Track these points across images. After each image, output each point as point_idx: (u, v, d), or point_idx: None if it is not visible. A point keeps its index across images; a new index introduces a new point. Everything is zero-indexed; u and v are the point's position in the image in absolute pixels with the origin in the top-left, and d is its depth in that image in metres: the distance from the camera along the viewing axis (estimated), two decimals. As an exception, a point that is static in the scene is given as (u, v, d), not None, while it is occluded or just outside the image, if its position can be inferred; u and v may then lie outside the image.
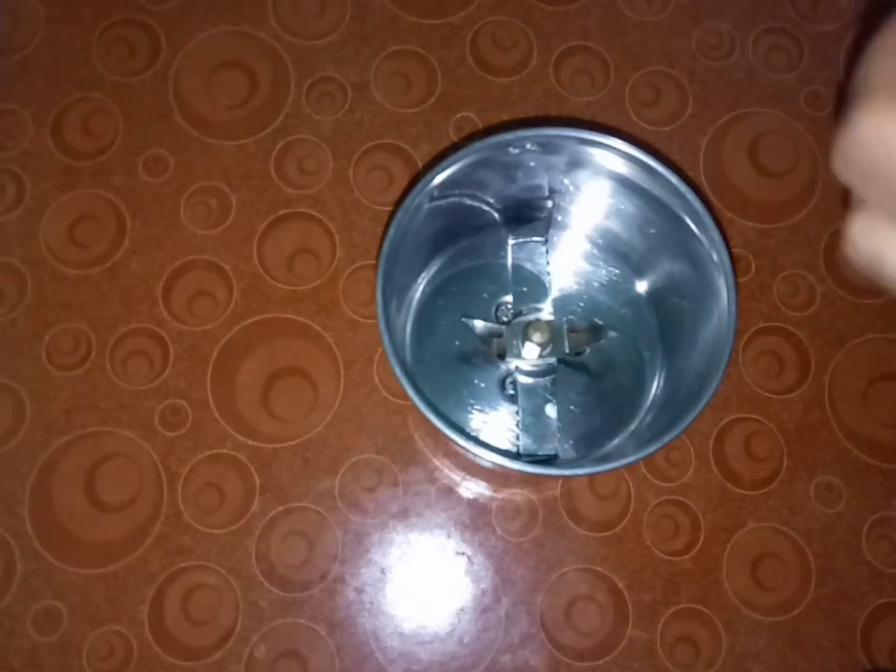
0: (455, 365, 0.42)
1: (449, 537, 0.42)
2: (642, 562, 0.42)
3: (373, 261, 0.45)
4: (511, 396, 0.41)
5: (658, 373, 0.42)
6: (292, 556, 0.42)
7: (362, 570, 0.42)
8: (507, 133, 0.36)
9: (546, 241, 0.43)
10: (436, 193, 0.36)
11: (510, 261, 0.43)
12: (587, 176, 0.39)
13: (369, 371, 0.44)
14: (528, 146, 0.36)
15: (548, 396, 0.41)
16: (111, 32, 0.48)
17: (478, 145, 0.36)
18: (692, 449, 0.44)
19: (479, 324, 0.42)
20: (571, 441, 0.41)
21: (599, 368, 0.42)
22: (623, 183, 0.38)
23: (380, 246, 0.34)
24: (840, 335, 0.46)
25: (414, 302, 0.43)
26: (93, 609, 0.41)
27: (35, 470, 0.42)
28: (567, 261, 0.44)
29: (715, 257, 0.35)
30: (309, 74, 0.48)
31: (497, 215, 0.42)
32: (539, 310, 0.42)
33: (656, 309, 0.43)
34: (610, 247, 0.43)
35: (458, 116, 0.47)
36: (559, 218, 0.43)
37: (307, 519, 0.42)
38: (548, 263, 0.43)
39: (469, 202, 0.40)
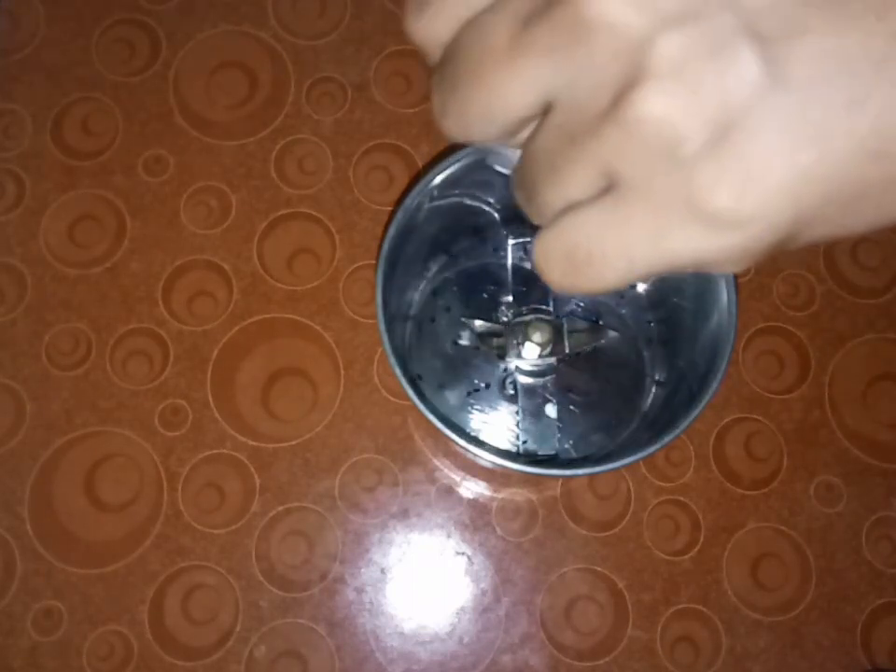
0: (456, 365, 0.42)
1: (449, 537, 0.42)
2: (642, 562, 0.42)
3: (373, 261, 0.45)
4: (511, 396, 0.41)
5: (658, 373, 0.42)
6: (292, 556, 0.42)
7: (362, 570, 0.42)
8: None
9: (546, 241, 0.43)
10: (436, 193, 0.36)
11: (510, 261, 0.43)
12: (587, 176, 0.39)
13: (369, 371, 0.44)
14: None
15: (548, 396, 0.41)
16: (111, 32, 0.48)
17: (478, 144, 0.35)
18: (692, 449, 0.44)
19: (479, 324, 0.42)
20: (571, 441, 0.41)
21: (599, 368, 0.42)
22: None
23: (380, 246, 0.34)
24: (840, 335, 0.46)
25: (414, 302, 0.43)
26: (93, 609, 0.41)
27: (35, 470, 0.42)
28: (567, 261, 0.43)
29: (715, 257, 0.35)
30: (309, 74, 0.48)
31: (496, 215, 0.42)
32: (539, 310, 0.42)
33: (656, 309, 0.43)
34: (610, 247, 0.43)
35: (458, 116, 0.47)
36: (559, 218, 0.42)
37: (307, 519, 0.42)
38: (548, 263, 0.43)
39: (469, 202, 0.40)
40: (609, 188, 0.15)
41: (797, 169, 0.14)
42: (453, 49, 0.17)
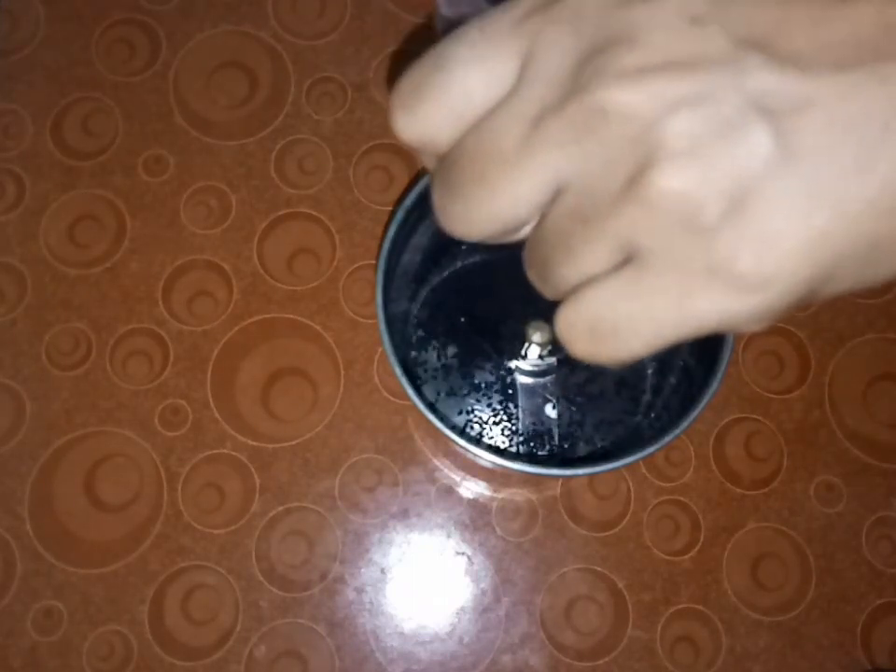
0: (456, 365, 0.42)
1: (449, 537, 0.42)
2: (642, 562, 0.42)
3: (373, 261, 0.45)
4: (511, 396, 0.41)
5: (658, 373, 0.42)
6: (292, 556, 0.42)
7: (362, 570, 0.42)
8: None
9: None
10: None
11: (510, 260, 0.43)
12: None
13: (369, 370, 0.44)
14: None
15: (548, 396, 0.41)
16: (111, 32, 0.48)
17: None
18: (692, 449, 0.44)
19: (479, 322, 0.42)
20: (571, 441, 0.41)
21: (599, 368, 0.42)
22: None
23: (380, 246, 0.34)
24: (840, 335, 0.46)
25: (415, 302, 0.43)
26: (93, 609, 0.41)
27: (35, 470, 0.42)
28: (567, 261, 0.43)
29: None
30: (309, 74, 0.48)
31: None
32: (539, 309, 0.42)
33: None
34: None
35: (458, 116, 0.47)
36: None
37: (307, 519, 0.42)
38: (548, 263, 0.43)
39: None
40: (627, 260, 0.16)
41: (811, 231, 0.14)
42: (456, 153, 0.17)
